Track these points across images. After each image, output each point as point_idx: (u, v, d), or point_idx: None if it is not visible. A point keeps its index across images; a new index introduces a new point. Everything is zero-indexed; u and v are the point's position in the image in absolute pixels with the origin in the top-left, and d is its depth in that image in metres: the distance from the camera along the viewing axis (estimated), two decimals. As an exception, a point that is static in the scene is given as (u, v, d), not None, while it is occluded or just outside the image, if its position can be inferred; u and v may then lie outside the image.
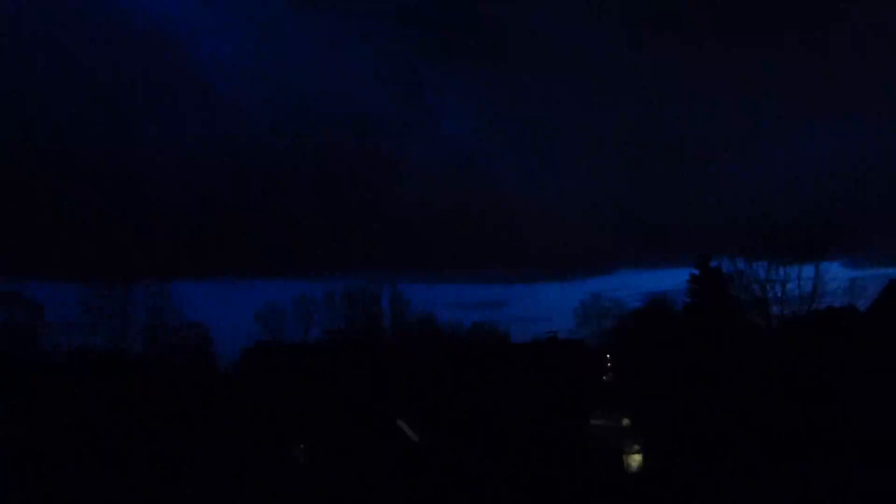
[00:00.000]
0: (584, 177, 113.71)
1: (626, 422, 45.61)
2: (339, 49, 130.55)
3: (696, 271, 44.17)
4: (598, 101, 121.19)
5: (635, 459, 37.90)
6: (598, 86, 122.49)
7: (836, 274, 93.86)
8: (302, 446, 36.40)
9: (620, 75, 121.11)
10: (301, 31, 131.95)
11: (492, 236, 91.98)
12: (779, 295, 39.55)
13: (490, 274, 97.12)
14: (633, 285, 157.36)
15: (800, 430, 32.78)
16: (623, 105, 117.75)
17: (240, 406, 36.47)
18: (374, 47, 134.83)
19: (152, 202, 79.85)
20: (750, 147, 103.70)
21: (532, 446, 37.97)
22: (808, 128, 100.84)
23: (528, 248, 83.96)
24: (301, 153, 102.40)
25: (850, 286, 42.37)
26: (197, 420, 37.20)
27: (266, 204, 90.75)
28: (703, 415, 35.32)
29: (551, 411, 44.36)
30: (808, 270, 38.25)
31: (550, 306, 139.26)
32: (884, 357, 34.96)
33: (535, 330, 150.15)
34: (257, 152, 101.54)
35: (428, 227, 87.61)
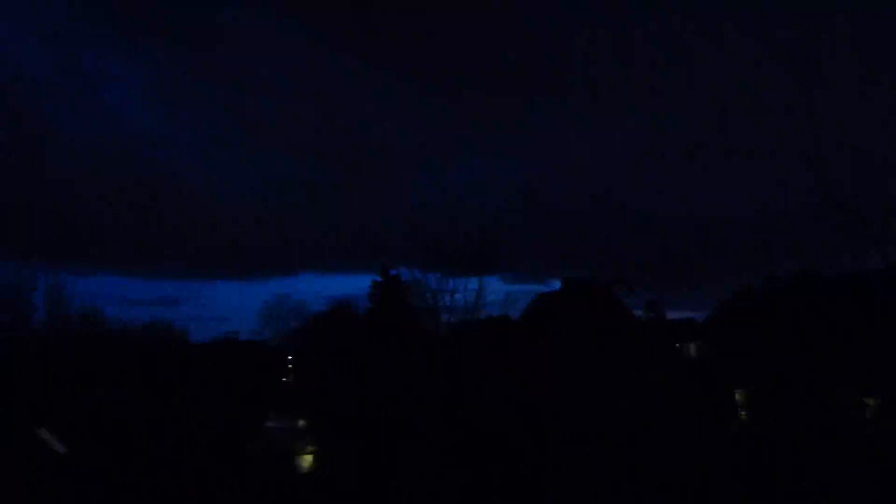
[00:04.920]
0: (272, 176, 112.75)
1: (301, 423, 46.06)
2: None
3: (377, 278, 46.45)
4: (293, 101, 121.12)
5: (307, 460, 38.35)
6: (293, 85, 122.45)
7: (496, 287, 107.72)
8: None
9: (316, 78, 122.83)
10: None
11: (169, 228, 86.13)
12: (447, 304, 43.37)
13: (166, 268, 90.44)
14: (317, 288, 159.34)
15: (450, 427, 35.97)
16: (319, 108, 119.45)
17: None
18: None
19: None
20: (434, 165, 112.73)
21: (203, 449, 36.33)
22: (484, 156, 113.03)
23: (209, 243, 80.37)
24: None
25: (506, 298, 48.68)
26: None
27: None
28: (372, 415, 36.99)
29: (227, 413, 42.99)
30: (473, 283, 42.63)
31: (231, 306, 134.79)
32: (530, 359, 40.41)
33: (215, 330, 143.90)
34: None
35: (96, 212, 78.65)
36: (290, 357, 59.77)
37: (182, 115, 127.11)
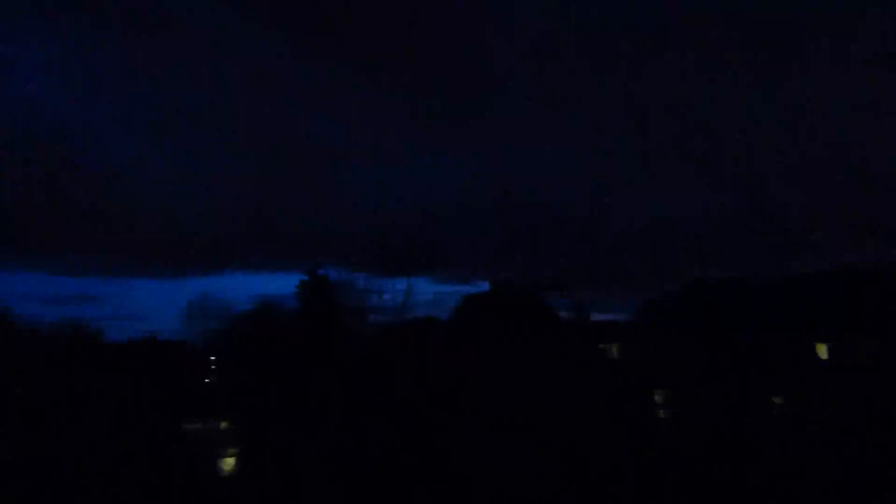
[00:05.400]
0: (197, 170, 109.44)
1: (224, 424, 45.02)
2: None
3: (305, 277, 45.83)
4: (222, 92, 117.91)
5: (228, 462, 37.46)
6: (225, 75, 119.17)
7: (424, 288, 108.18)
8: None
9: (256, 72, 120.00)
10: None
11: (84, 222, 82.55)
12: (376, 304, 43.30)
13: (80, 265, 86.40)
14: (243, 287, 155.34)
15: (392, 424, 35.94)
16: (251, 99, 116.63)
17: None
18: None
19: None
20: (365, 166, 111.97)
21: (117, 452, 35.05)
22: (418, 158, 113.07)
23: (127, 239, 77.38)
24: None
25: (434, 299, 48.93)
26: None
27: None
28: (296, 416, 36.56)
29: (143, 415, 41.62)
30: (401, 283, 42.73)
31: (151, 304, 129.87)
32: (458, 359, 40.79)
33: (134, 329, 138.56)
34: None
35: (8, 205, 74.50)
36: (212, 357, 58.17)
37: (103, 105, 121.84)
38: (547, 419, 34.45)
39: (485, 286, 53.82)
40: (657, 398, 41.75)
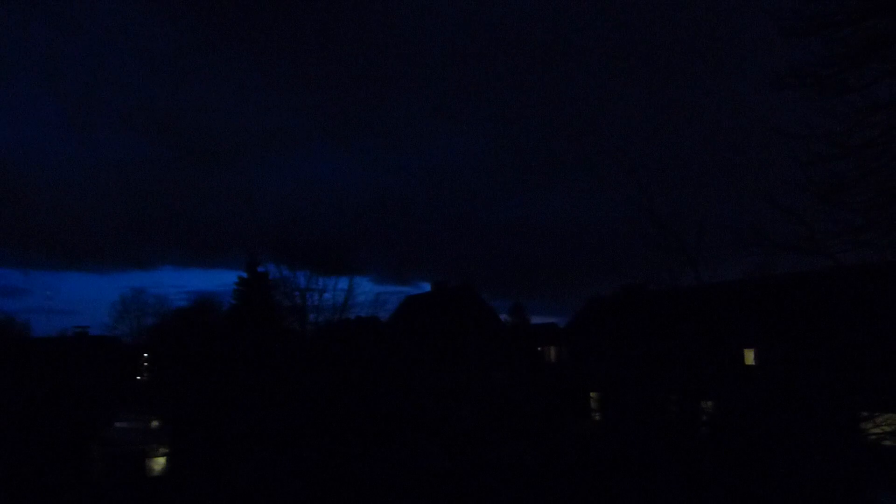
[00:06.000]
0: (131, 165, 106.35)
1: (154, 423, 43.91)
2: None
3: (244, 274, 44.89)
4: (151, 88, 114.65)
5: (158, 462, 36.56)
6: (155, 72, 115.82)
7: (366, 288, 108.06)
8: None
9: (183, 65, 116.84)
10: None
11: (9, 214, 79.39)
12: (316, 303, 42.65)
13: (5, 257, 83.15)
14: (178, 283, 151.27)
15: (334, 423, 35.54)
16: (186, 97, 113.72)
17: None
18: None
19: None
20: (279, 161, 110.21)
21: (37, 451, 33.84)
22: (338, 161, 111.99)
23: (56, 232, 74.71)
24: None
25: (376, 299, 48.52)
26: None
27: None
28: (233, 413, 35.89)
29: (70, 413, 40.25)
30: (343, 283, 42.21)
31: (81, 299, 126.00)
32: (398, 358, 40.69)
33: (63, 324, 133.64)
34: None
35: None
36: (146, 354, 56.66)
37: (33, 97, 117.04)
38: (487, 417, 34.71)
39: (426, 287, 53.95)
40: (593, 401, 42.42)
